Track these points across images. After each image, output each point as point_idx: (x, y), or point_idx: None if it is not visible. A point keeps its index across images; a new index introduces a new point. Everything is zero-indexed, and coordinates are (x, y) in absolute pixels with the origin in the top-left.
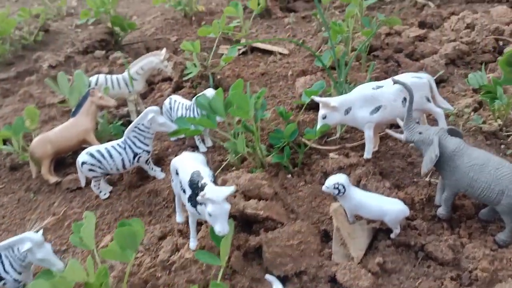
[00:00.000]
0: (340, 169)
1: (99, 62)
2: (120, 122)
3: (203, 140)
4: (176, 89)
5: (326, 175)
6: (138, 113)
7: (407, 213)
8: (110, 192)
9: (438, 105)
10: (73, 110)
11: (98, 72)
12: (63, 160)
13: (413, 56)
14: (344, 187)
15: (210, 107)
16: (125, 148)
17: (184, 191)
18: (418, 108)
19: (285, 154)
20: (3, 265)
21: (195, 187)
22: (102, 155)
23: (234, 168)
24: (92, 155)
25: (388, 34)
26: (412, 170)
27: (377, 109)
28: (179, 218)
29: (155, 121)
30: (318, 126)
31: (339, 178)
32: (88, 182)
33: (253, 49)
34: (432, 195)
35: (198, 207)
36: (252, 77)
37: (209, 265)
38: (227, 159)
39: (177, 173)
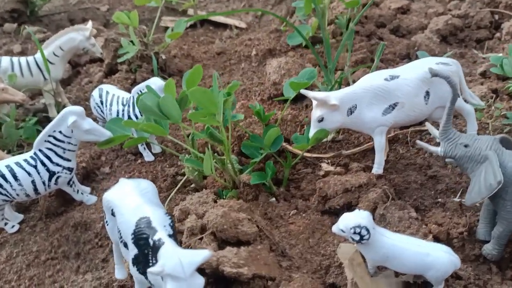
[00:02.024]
0: (346, 192)
1: (9, 38)
2: (34, 120)
3: (148, 146)
4: (109, 74)
5: (326, 200)
6: (59, 107)
7: (458, 265)
8: (21, 222)
9: (467, 100)
10: None
11: (8, 52)
12: None
13: (398, 32)
14: (368, 231)
15: (160, 110)
16: (36, 166)
17: (125, 245)
18: (444, 104)
19: (268, 172)
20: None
21: (144, 244)
22: (3, 176)
23: (193, 185)
24: None
25: (365, 5)
26: (434, 186)
27: (392, 107)
28: (119, 273)
29: (78, 127)
30: (312, 132)
31: (359, 218)
32: None
33: (204, 22)
34: (472, 225)
35: (150, 275)
36: (205, 57)
37: None
38: (183, 172)
39: (113, 214)
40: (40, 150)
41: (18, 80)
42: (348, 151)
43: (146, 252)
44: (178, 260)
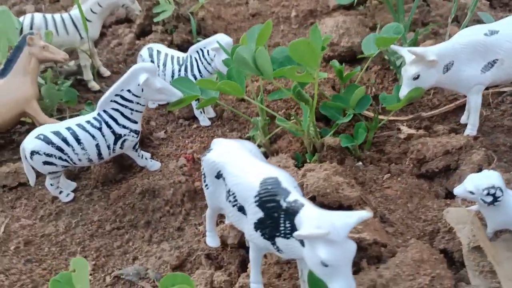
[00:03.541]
0: (446, 154)
1: None
2: (69, 83)
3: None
4: (141, 35)
5: (422, 163)
6: (94, 69)
7: None
8: (74, 191)
9: None
10: (1, 67)
11: (20, 13)
12: None
13: None
14: (502, 191)
15: (254, 64)
16: (100, 128)
17: (240, 209)
18: None
19: (360, 134)
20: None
21: (273, 207)
22: (65, 140)
23: (261, 149)
24: (47, 140)
25: None
26: None
27: (491, 64)
28: (212, 241)
29: (149, 86)
30: (405, 91)
31: (492, 179)
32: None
33: None
34: None
35: (281, 240)
36: (237, 19)
37: None
38: (247, 136)
39: (218, 177)
40: (104, 111)
41: (53, 39)
42: (428, 113)
43: (276, 215)
44: (330, 223)
